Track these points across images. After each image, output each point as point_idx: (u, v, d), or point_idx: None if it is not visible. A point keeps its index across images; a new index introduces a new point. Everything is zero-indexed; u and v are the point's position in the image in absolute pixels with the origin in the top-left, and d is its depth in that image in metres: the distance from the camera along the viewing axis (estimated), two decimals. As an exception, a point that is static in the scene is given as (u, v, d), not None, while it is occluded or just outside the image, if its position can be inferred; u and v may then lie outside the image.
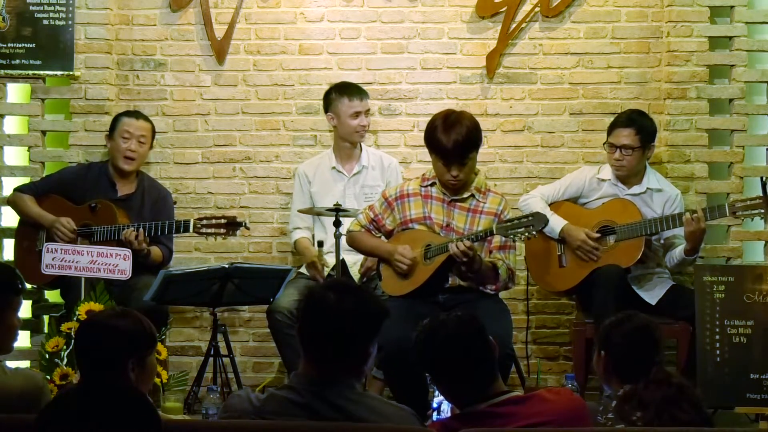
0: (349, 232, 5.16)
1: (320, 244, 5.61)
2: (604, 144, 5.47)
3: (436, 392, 4.23)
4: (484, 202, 4.97)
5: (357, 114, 5.76)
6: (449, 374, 3.15)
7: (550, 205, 5.47)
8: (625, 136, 5.34)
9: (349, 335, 2.90)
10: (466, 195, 4.96)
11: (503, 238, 4.85)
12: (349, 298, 2.93)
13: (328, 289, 2.98)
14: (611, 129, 5.41)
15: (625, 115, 5.45)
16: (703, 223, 5.09)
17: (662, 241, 5.42)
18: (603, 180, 5.48)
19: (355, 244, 5.18)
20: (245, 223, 5.47)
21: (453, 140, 4.77)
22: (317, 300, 2.95)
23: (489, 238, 4.88)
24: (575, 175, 5.60)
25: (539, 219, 4.72)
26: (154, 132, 5.77)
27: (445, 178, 4.89)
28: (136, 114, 5.75)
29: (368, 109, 5.82)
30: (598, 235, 5.32)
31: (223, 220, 5.42)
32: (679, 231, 5.26)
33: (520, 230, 4.69)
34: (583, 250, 5.33)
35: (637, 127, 5.35)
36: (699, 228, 5.10)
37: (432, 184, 5.00)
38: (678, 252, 5.29)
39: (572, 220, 5.40)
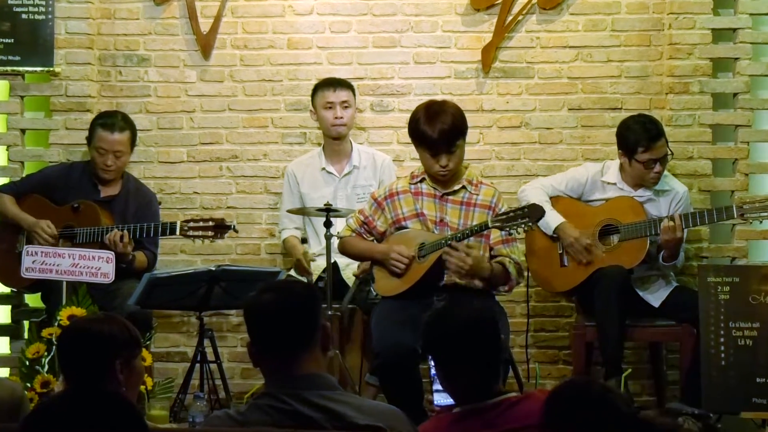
0: (340, 238, 5.08)
1: (304, 240, 5.62)
2: (631, 160, 5.22)
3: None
4: (477, 194, 4.90)
5: (330, 105, 5.67)
6: (455, 362, 3.09)
7: (551, 198, 5.39)
8: (662, 146, 5.23)
9: (279, 331, 2.87)
10: (457, 187, 4.89)
11: (503, 232, 4.78)
12: (269, 295, 2.92)
13: (256, 294, 2.98)
14: (644, 145, 5.16)
15: (649, 124, 5.25)
16: (680, 232, 5.03)
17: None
18: (609, 183, 5.38)
19: (347, 250, 5.10)
20: (233, 226, 5.39)
21: (438, 130, 4.73)
22: (245, 307, 3.00)
23: (486, 233, 4.80)
24: (578, 171, 5.51)
25: (535, 210, 4.62)
26: (133, 139, 5.64)
27: (435, 169, 4.82)
28: (111, 126, 5.57)
29: (344, 101, 5.68)
30: (589, 241, 5.23)
31: (210, 223, 5.37)
32: None
33: (515, 223, 4.61)
34: (573, 250, 5.27)
35: (664, 134, 5.28)
36: (674, 237, 5.03)
37: (421, 181, 4.93)
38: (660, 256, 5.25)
39: (574, 217, 5.32)
